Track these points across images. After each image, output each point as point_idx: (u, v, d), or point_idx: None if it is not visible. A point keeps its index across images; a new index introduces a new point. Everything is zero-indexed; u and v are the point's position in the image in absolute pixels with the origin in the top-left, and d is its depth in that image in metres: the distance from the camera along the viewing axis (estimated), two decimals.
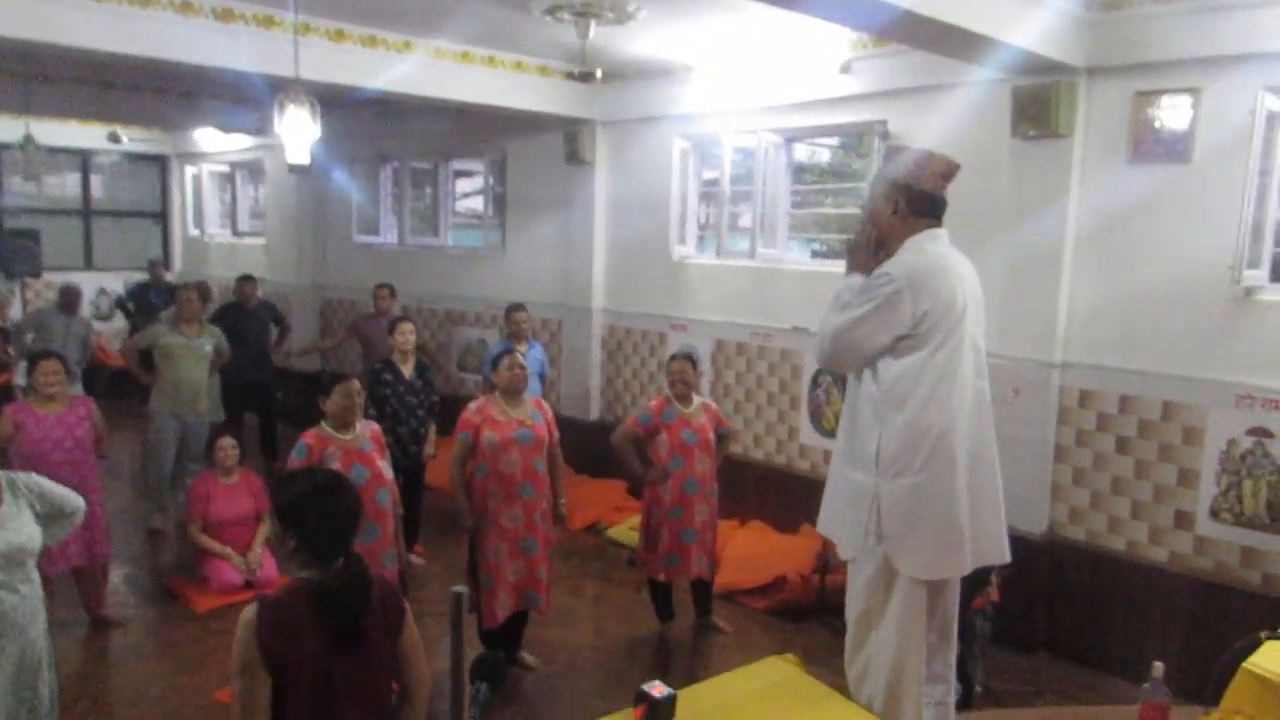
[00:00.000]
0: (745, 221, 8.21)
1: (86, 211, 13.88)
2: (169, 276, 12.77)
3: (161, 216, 14.57)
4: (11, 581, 3.54)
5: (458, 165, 10.62)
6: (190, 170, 14.15)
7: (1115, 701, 5.14)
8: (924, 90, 6.20)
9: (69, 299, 9.32)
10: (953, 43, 4.97)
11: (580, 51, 5.89)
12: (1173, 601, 5.30)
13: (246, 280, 9.29)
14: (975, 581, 4.31)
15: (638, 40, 6.76)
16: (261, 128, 10.42)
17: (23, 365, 8.32)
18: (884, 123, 6.51)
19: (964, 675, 4.53)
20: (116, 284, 13.29)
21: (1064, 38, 5.20)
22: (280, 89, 5.46)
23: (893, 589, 3.27)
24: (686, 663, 5.61)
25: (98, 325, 11.60)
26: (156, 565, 6.95)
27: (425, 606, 5.77)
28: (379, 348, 7.81)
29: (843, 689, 3.43)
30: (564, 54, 7.50)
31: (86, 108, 10.55)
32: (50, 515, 3.80)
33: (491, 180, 9.90)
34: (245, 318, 9.06)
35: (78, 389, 8.98)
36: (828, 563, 6.09)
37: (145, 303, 11.22)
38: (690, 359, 5.94)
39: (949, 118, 6.04)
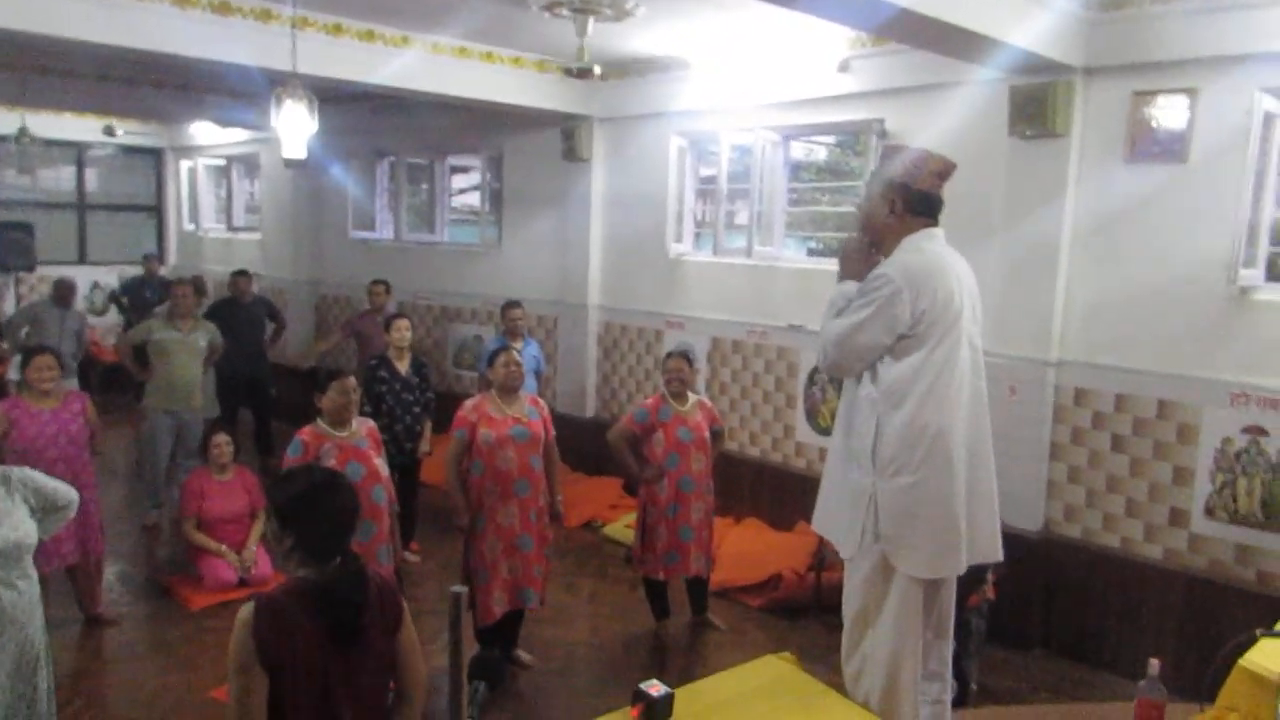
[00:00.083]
0: (741, 219, 8.21)
1: (81, 205, 13.83)
2: (163, 271, 12.72)
3: (156, 210, 14.52)
4: (9, 577, 3.53)
5: (454, 161, 10.61)
6: (185, 164, 14.10)
7: (1110, 698, 5.16)
8: (922, 89, 6.20)
9: (63, 293, 9.29)
10: (951, 42, 4.97)
11: (578, 48, 5.88)
12: (1167, 599, 5.32)
13: (241, 275, 9.26)
14: (971, 579, 4.32)
15: (636, 37, 6.75)
16: (258, 122, 10.38)
17: (16, 360, 8.31)
18: (881, 121, 6.51)
19: (960, 673, 4.54)
20: (111, 278, 13.25)
21: (1062, 37, 5.20)
22: (277, 83, 5.44)
23: (890, 587, 3.28)
24: (682, 660, 5.61)
25: (92, 320, 11.57)
26: (151, 563, 6.93)
27: (420, 604, 5.76)
28: (374, 344, 7.80)
29: (839, 687, 3.44)
30: (562, 50, 7.48)
31: (81, 100, 10.51)
32: (44, 509, 3.79)
33: (488, 176, 9.89)
34: (240, 313, 9.04)
35: (73, 383, 8.96)
36: (823, 560, 6.09)
37: (140, 298, 11.19)
38: (686, 356, 5.94)
39: (947, 117, 6.05)
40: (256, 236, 12.51)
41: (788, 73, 6.81)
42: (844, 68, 6.49)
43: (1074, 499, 5.71)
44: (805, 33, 6.31)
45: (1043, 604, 5.78)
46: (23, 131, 9.84)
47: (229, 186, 13.36)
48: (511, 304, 7.72)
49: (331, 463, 4.56)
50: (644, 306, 8.29)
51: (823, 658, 5.03)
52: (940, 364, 3.13)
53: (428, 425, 6.91)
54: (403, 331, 6.80)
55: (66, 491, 3.94)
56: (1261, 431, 4.97)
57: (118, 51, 6.07)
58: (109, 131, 12.07)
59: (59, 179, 13.70)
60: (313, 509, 2.58)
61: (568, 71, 7.74)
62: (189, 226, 14.25)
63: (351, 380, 4.88)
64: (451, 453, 5.02)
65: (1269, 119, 5.01)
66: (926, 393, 3.11)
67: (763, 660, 3.53)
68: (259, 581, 6.27)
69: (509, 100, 7.80)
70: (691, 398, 5.82)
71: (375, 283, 8.79)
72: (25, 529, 3.61)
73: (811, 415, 7.12)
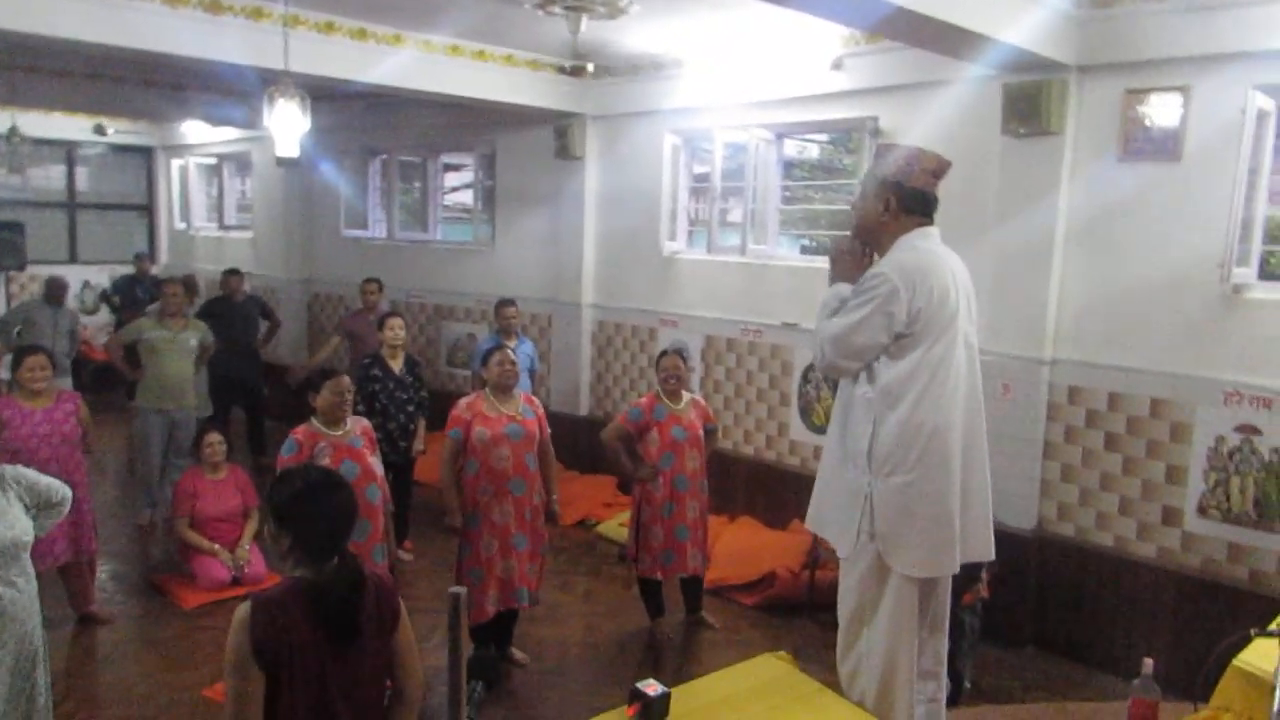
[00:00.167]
0: (734, 217, 8.21)
1: (71, 204, 13.79)
2: (155, 270, 12.70)
3: (147, 209, 14.49)
4: (8, 575, 3.54)
5: (447, 159, 10.59)
6: (176, 163, 14.05)
7: (1103, 697, 5.18)
8: (915, 87, 6.21)
9: (55, 291, 9.27)
10: (944, 39, 4.97)
11: (571, 46, 5.88)
12: (1160, 598, 5.33)
13: (232, 274, 9.25)
14: (966, 578, 4.32)
15: (629, 35, 6.74)
16: (249, 120, 10.36)
17: (7, 359, 8.27)
18: (875, 119, 6.51)
19: (953, 671, 4.54)
20: (102, 277, 13.22)
21: (1055, 35, 5.20)
22: (269, 81, 5.42)
23: (885, 586, 3.27)
24: (677, 659, 5.61)
25: (83, 319, 11.53)
26: (144, 562, 6.92)
27: (414, 603, 5.74)
28: (368, 343, 7.78)
29: (833, 685, 3.43)
30: (555, 48, 7.48)
31: (72, 99, 10.45)
32: (39, 506, 3.81)
33: (481, 174, 9.87)
34: (232, 312, 9.03)
35: (67, 382, 8.95)
36: (817, 559, 6.09)
37: (131, 296, 11.16)
38: (681, 355, 5.94)
39: (940, 115, 6.05)
40: (248, 235, 12.47)
41: (781, 70, 6.81)
42: (837, 65, 6.49)
43: (1067, 497, 5.72)
44: (798, 30, 6.31)
45: (1035, 602, 5.79)
46: (13, 130, 9.81)
47: (220, 185, 13.33)
48: (505, 302, 7.71)
49: (326, 461, 4.56)
50: (638, 305, 8.28)
51: (817, 656, 5.03)
52: (936, 363, 3.12)
53: (421, 424, 6.89)
54: (396, 330, 6.79)
55: (60, 488, 3.94)
56: (1254, 430, 4.98)
57: (109, 51, 6.05)
58: (99, 130, 12.05)
59: (49, 178, 13.65)
60: (311, 509, 2.57)
61: (561, 69, 7.77)
62: (180, 225, 14.21)
63: (345, 379, 4.88)
64: (447, 452, 5.01)
65: (1262, 116, 5.01)
66: (923, 392, 3.11)
67: (759, 659, 3.53)
68: (252, 580, 6.26)
69: (501, 98, 7.79)
70: (685, 396, 5.82)
71: (368, 281, 8.76)
72: (21, 526, 3.62)
73: (806, 413, 7.12)
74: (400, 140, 10.38)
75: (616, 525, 7.37)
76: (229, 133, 12.14)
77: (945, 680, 3.52)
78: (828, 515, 3.42)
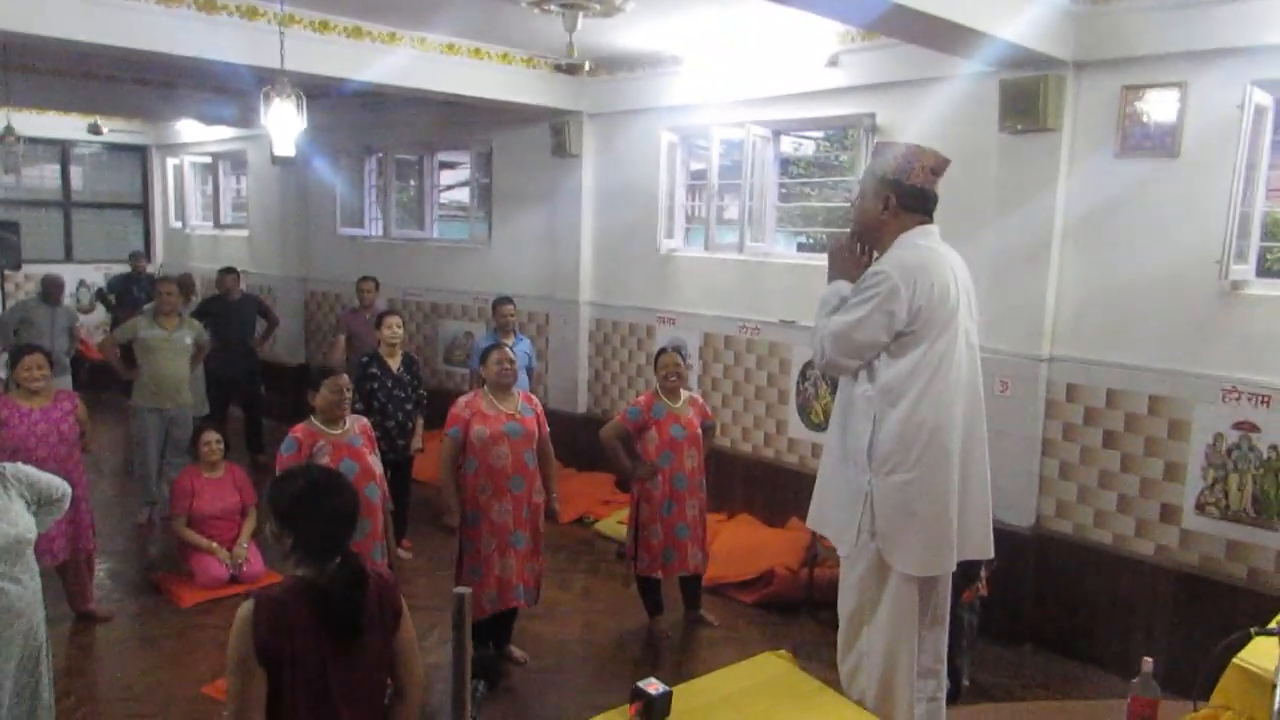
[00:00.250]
0: (730, 214, 8.20)
1: (66, 203, 13.76)
2: (151, 269, 12.67)
3: (143, 208, 14.46)
4: (13, 572, 3.56)
5: (443, 157, 10.57)
6: (171, 161, 14.02)
7: (1100, 694, 5.18)
8: (912, 84, 6.20)
9: (52, 290, 9.26)
10: (941, 36, 4.97)
11: (567, 44, 5.86)
12: (1158, 595, 5.33)
13: (228, 273, 9.23)
14: (965, 576, 4.33)
15: (625, 32, 6.73)
16: (244, 118, 10.34)
17: (3, 359, 8.27)
18: (871, 116, 6.51)
19: (952, 669, 4.53)
20: (97, 276, 13.20)
21: (1052, 31, 5.20)
22: (263, 80, 5.41)
23: (885, 585, 3.27)
24: (676, 657, 5.61)
25: (79, 318, 11.49)
26: (142, 560, 6.91)
27: (413, 600, 5.65)
28: (365, 341, 7.78)
29: (833, 683, 3.44)
30: (551, 46, 7.46)
31: (66, 98, 10.45)
32: (39, 503, 3.83)
33: (477, 172, 9.85)
34: (228, 311, 9.02)
35: (66, 380, 8.95)
36: (816, 556, 6.10)
37: (127, 295, 11.14)
38: (680, 352, 5.93)
39: (937, 111, 6.05)
40: (244, 234, 12.46)
41: (777, 67, 6.80)
42: (833, 62, 6.49)
43: (1065, 495, 5.72)
44: (795, 27, 6.31)
45: (1034, 600, 5.79)
46: (7, 130, 9.75)
47: (215, 183, 13.30)
48: (502, 300, 7.70)
49: (325, 460, 4.56)
50: (635, 302, 8.27)
51: (816, 654, 5.04)
52: (937, 361, 3.12)
53: (419, 422, 6.89)
54: (394, 329, 6.78)
55: (60, 484, 3.96)
56: (1253, 427, 4.98)
57: (103, 50, 6.04)
58: (94, 129, 12.01)
59: (44, 177, 13.63)
60: (312, 509, 2.57)
61: (558, 67, 7.76)
62: (176, 224, 14.19)
63: (344, 378, 4.88)
64: (446, 451, 5.00)
65: (1259, 112, 5.01)
66: (923, 390, 3.11)
67: (759, 658, 3.53)
68: (250, 578, 6.26)
69: (497, 96, 7.77)
70: (683, 394, 5.81)
71: (364, 279, 8.75)
72: (24, 524, 3.64)
73: (804, 411, 7.12)
74: (396, 138, 10.36)
75: (615, 523, 7.37)
76: (224, 131, 12.12)
77: (945, 678, 3.52)
78: (828, 514, 3.42)
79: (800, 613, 6.13)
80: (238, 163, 12.71)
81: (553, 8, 5.65)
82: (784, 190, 7.84)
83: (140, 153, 14.28)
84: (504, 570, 5.00)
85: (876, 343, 3.14)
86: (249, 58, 6.24)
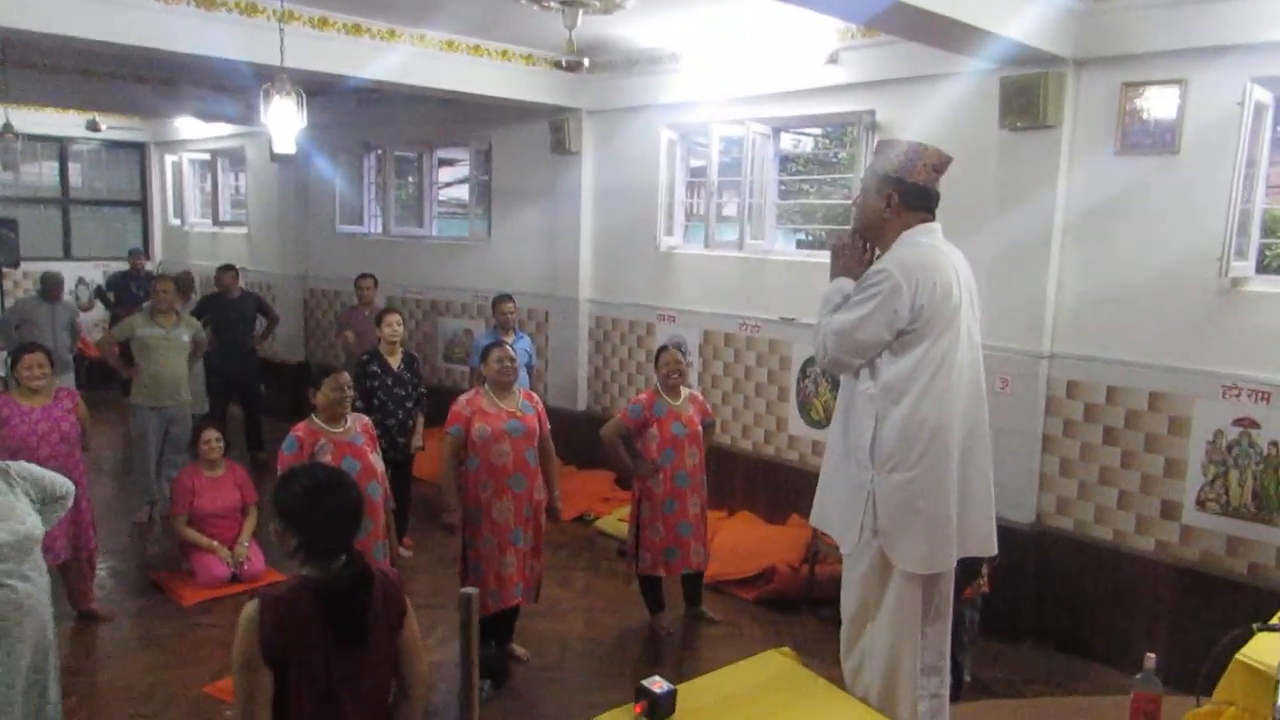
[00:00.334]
0: (729, 211, 8.20)
1: (65, 200, 13.74)
2: (150, 266, 12.66)
3: (141, 205, 14.43)
4: (22, 569, 3.58)
5: (442, 154, 10.56)
6: (170, 158, 14.00)
7: (1101, 690, 5.19)
8: (912, 81, 6.20)
9: (51, 287, 9.26)
10: (941, 33, 4.97)
11: (567, 41, 5.85)
12: (1159, 591, 5.34)
13: (226, 270, 9.22)
14: (966, 572, 4.33)
15: (625, 29, 6.74)
16: (243, 115, 10.33)
17: (3, 357, 8.26)
18: (871, 113, 6.51)
19: (954, 666, 4.54)
20: (96, 274, 13.18)
21: (1052, 29, 5.20)
22: (262, 77, 5.40)
23: (888, 583, 3.28)
24: (677, 654, 5.61)
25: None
26: (142, 559, 6.91)
27: (414, 599, 5.61)
28: (365, 339, 7.77)
29: (835, 680, 3.44)
30: (550, 43, 7.46)
31: (64, 95, 10.43)
32: (43, 501, 3.86)
33: (476, 170, 9.84)
34: (228, 309, 9.01)
35: (69, 377, 8.95)
36: (817, 553, 6.10)
37: (126, 293, 11.13)
38: (680, 350, 5.93)
39: (937, 108, 6.05)
40: (243, 231, 12.43)
41: (777, 64, 6.80)
42: (833, 59, 6.49)
43: (1066, 491, 5.73)
44: (794, 24, 6.30)
45: (1034, 596, 5.80)
46: (6, 127, 9.74)
47: (214, 181, 13.26)
48: (502, 298, 7.70)
49: (327, 458, 4.57)
50: (635, 300, 8.27)
51: (817, 651, 5.05)
52: (939, 359, 3.12)
53: (420, 420, 6.89)
54: (394, 326, 6.77)
55: (63, 482, 3.98)
56: (1253, 424, 4.99)
57: (102, 47, 6.03)
58: (92, 126, 11.99)
59: (42, 174, 13.60)
60: (317, 508, 2.57)
61: (557, 64, 7.75)
62: (174, 221, 14.16)
63: (345, 376, 4.88)
64: (448, 449, 5.00)
65: (1259, 109, 5.01)
66: (925, 388, 3.11)
67: (763, 655, 3.54)
68: (251, 577, 6.27)
69: (497, 93, 7.76)
70: (684, 391, 5.81)
71: (363, 277, 8.76)
72: (31, 521, 3.66)
73: (804, 408, 7.12)
74: (395, 135, 10.35)
75: (615, 520, 7.37)
76: (222, 128, 12.10)
77: (948, 675, 3.52)
78: (831, 511, 3.42)
79: (801, 610, 6.14)
80: (236, 160, 12.69)
81: (552, 5, 5.64)
82: (783, 187, 7.84)
83: (139, 150, 14.26)
84: (504, 568, 5.00)
85: (879, 341, 3.14)
86: (248, 54, 6.23)
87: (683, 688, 3.01)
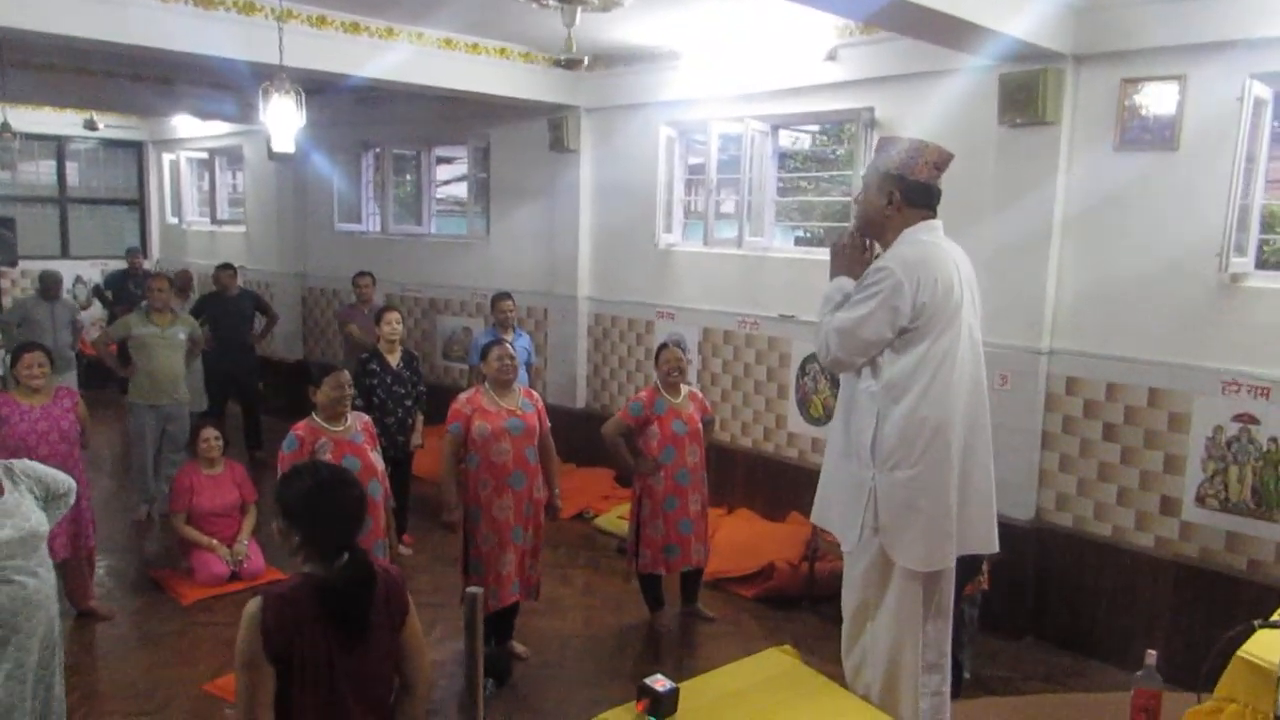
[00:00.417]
0: (727, 208, 8.19)
1: (62, 199, 13.72)
2: (147, 265, 12.64)
3: (139, 204, 14.42)
4: (30, 565, 3.59)
5: (440, 152, 10.55)
6: (168, 157, 13.98)
7: (1101, 686, 5.20)
8: (911, 77, 6.20)
9: (49, 285, 9.25)
10: (940, 30, 4.97)
11: (565, 38, 5.83)
12: (1158, 587, 5.34)
13: (224, 269, 9.21)
14: (966, 569, 4.33)
15: (623, 27, 6.72)
16: (241, 114, 10.32)
17: (3, 356, 8.25)
18: (870, 110, 6.50)
19: (953, 663, 4.55)
20: (93, 272, 13.16)
21: (1051, 25, 5.20)
22: (260, 76, 5.39)
23: (889, 580, 3.28)
24: (677, 651, 5.62)
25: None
26: (142, 557, 6.91)
27: (414, 596, 5.65)
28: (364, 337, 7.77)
29: (835, 677, 3.45)
30: (548, 41, 7.45)
31: (62, 94, 10.42)
32: (47, 498, 3.85)
33: (475, 167, 9.83)
34: (226, 307, 9.01)
35: (72, 375, 8.95)
36: (816, 551, 6.11)
37: (124, 292, 11.12)
38: (680, 347, 5.93)
39: (936, 105, 6.04)
40: (241, 229, 12.43)
41: (776, 62, 6.79)
42: (832, 57, 6.48)
43: (1065, 488, 5.73)
44: (793, 22, 6.29)
45: (1034, 593, 5.80)
46: (3, 126, 9.72)
47: (212, 179, 13.26)
48: (501, 296, 7.69)
49: (327, 457, 4.56)
50: (634, 297, 8.27)
51: (817, 648, 5.05)
52: (940, 357, 3.12)
53: (419, 418, 6.89)
54: (394, 325, 6.77)
55: (65, 479, 3.98)
56: (1252, 420, 4.99)
57: (100, 46, 6.01)
58: (90, 125, 11.98)
59: (39, 173, 13.59)
60: (319, 506, 2.57)
61: (556, 62, 7.74)
62: (172, 220, 14.15)
63: (345, 374, 4.87)
64: (448, 447, 5.00)
65: (1258, 104, 5.01)
66: (927, 386, 3.11)
67: (764, 654, 3.55)
68: (250, 575, 6.27)
69: (495, 91, 7.76)
70: (684, 389, 5.81)
71: (361, 275, 8.75)
72: (37, 517, 3.67)
73: (803, 405, 7.12)
74: (393, 133, 10.34)
75: (615, 518, 7.37)
76: (220, 127, 12.09)
77: (949, 672, 3.52)
78: (832, 509, 3.42)
79: (800, 607, 6.14)
80: (234, 158, 12.68)
81: (551, 3, 5.61)
82: (782, 184, 7.84)
83: (136, 148, 14.24)
84: (504, 566, 5.00)
85: (881, 339, 3.14)
86: (246, 53, 6.22)
87: (684, 686, 3.01)
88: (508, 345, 5.25)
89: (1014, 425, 5.69)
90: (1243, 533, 5.08)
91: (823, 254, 6.51)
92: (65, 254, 13.44)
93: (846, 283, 3.30)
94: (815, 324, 3.35)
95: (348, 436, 4.79)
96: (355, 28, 6.83)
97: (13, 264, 11.94)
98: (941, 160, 3.27)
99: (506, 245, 9.34)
